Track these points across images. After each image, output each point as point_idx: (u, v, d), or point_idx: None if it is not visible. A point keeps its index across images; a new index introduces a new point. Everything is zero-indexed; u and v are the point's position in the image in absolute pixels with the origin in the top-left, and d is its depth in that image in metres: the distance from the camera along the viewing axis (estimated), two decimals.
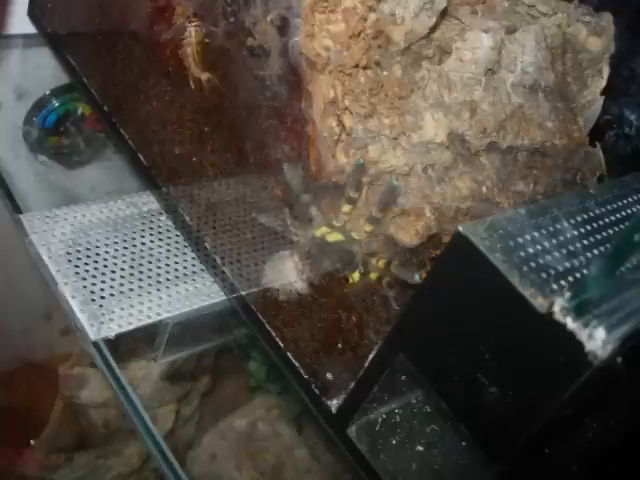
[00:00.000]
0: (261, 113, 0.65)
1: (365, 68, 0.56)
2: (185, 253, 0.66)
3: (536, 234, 0.39)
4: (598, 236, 0.42)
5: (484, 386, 0.38)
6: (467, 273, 0.38)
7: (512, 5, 0.63)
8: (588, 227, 0.43)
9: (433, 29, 0.57)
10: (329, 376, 0.55)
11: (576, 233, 0.41)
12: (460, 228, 0.37)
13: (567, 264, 0.38)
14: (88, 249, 0.62)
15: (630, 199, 0.49)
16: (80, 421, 1.00)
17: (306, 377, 0.54)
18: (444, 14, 0.58)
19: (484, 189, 0.59)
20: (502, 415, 0.38)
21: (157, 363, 0.65)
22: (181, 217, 0.65)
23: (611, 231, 0.43)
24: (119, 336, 0.57)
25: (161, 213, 0.69)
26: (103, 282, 0.60)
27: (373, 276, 0.61)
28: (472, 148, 0.57)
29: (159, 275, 0.63)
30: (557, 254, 0.38)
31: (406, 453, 0.51)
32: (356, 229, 0.60)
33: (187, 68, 0.73)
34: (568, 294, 0.34)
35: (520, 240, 0.38)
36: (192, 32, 0.70)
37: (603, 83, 0.66)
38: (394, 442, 0.51)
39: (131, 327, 0.57)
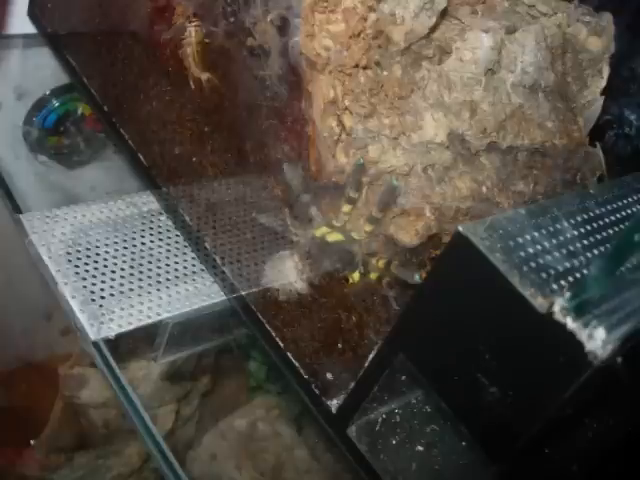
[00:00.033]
0: (261, 113, 0.65)
1: (365, 68, 0.56)
2: (185, 253, 0.66)
3: (536, 234, 0.39)
4: (598, 236, 0.42)
5: (484, 386, 0.38)
6: (467, 273, 0.38)
7: (512, 5, 0.63)
8: (588, 227, 0.43)
9: (433, 29, 0.57)
10: (329, 376, 0.55)
11: (576, 233, 0.41)
12: (460, 228, 0.37)
13: (567, 264, 0.38)
14: (88, 249, 0.62)
15: (630, 199, 0.49)
16: (80, 421, 1.00)
17: (306, 377, 0.54)
18: (444, 14, 0.58)
19: (484, 189, 0.59)
20: (502, 415, 0.38)
21: (157, 363, 0.65)
22: (181, 217, 0.65)
23: (611, 231, 0.43)
24: (119, 336, 0.57)
25: (161, 213, 0.69)
26: (103, 282, 0.60)
27: (373, 276, 0.61)
28: (472, 148, 0.57)
29: (159, 275, 0.63)
30: (557, 254, 0.38)
31: (406, 453, 0.51)
32: (356, 229, 0.60)
33: (187, 68, 0.73)
34: (568, 294, 0.34)
35: (520, 240, 0.38)
36: (192, 32, 0.70)
37: (603, 83, 0.66)
38: (394, 442, 0.51)
39: (131, 327, 0.57)
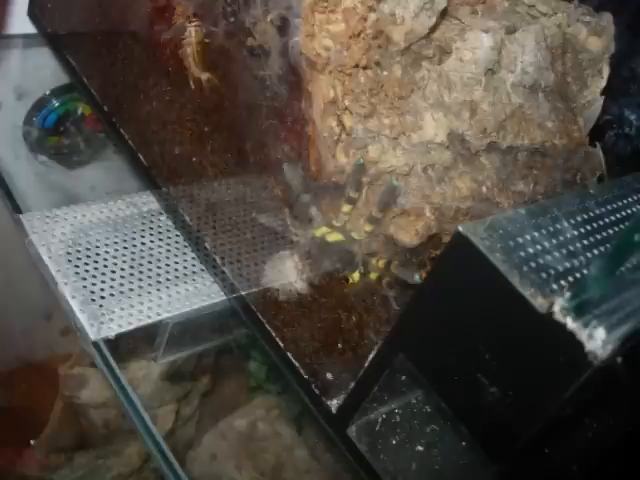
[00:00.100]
0: (261, 113, 0.65)
1: (365, 68, 0.56)
2: (185, 253, 0.66)
3: (536, 234, 0.39)
4: (598, 236, 0.42)
5: (484, 386, 0.38)
6: (467, 273, 0.38)
7: (512, 5, 0.63)
8: (588, 227, 0.43)
9: (433, 29, 0.57)
10: (329, 376, 0.55)
11: (576, 233, 0.41)
12: (460, 228, 0.37)
13: (567, 264, 0.38)
14: (88, 249, 0.62)
15: (630, 199, 0.49)
16: (80, 421, 1.00)
17: (306, 377, 0.54)
18: (444, 14, 0.58)
19: (484, 189, 0.59)
20: (502, 415, 0.38)
21: (157, 363, 0.65)
22: (181, 217, 0.65)
23: (611, 231, 0.43)
24: (119, 336, 0.57)
25: (161, 213, 0.69)
26: (103, 282, 0.60)
27: (373, 276, 0.61)
28: (472, 148, 0.57)
29: (159, 275, 0.63)
30: (557, 254, 0.38)
31: (406, 453, 0.51)
32: (356, 229, 0.60)
33: (187, 68, 0.73)
34: (568, 294, 0.34)
35: (520, 240, 0.38)
36: (192, 32, 0.70)
37: (603, 83, 0.66)
38: (394, 442, 0.51)
39: (131, 327, 0.57)
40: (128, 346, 0.77)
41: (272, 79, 0.61)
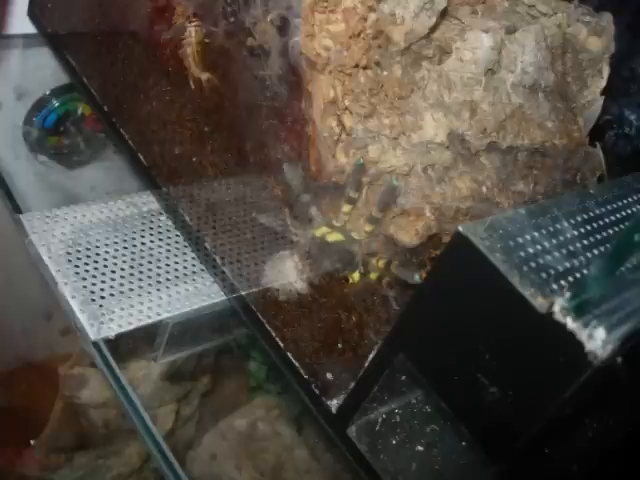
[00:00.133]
0: (261, 113, 0.65)
1: (365, 68, 0.56)
2: (185, 253, 0.66)
3: (536, 234, 0.39)
4: (598, 236, 0.42)
5: (484, 386, 0.38)
6: (467, 273, 0.38)
7: (512, 5, 0.63)
8: (588, 227, 0.43)
9: (433, 29, 0.57)
10: (329, 376, 0.55)
11: (576, 233, 0.41)
12: (460, 228, 0.37)
13: (567, 264, 0.38)
14: (88, 249, 0.62)
15: (630, 199, 0.49)
16: (80, 421, 1.00)
17: (306, 377, 0.54)
18: (444, 14, 0.58)
19: (484, 189, 0.59)
20: (502, 415, 0.38)
21: (157, 363, 0.65)
22: (181, 217, 0.65)
23: (611, 231, 0.43)
24: (119, 336, 0.57)
25: (161, 213, 0.69)
26: (103, 282, 0.60)
27: (373, 276, 0.61)
28: (472, 148, 0.57)
29: (159, 275, 0.63)
30: (557, 254, 0.38)
31: (406, 453, 0.51)
32: (356, 229, 0.60)
33: (187, 68, 0.73)
34: (568, 294, 0.34)
35: (520, 240, 0.38)
36: (192, 32, 0.70)
37: (603, 83, 0.66)
38: (394, 442, 0.51)
39: (131, 327, 0.57)
40: (128, 346, 0.77)
41: (272, 79, 0.61)
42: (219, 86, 0.71)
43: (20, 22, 0.82)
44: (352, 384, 0.51)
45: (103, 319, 0.57)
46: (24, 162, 0.99)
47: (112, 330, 0.56)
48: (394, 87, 0.56)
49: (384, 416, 0.52)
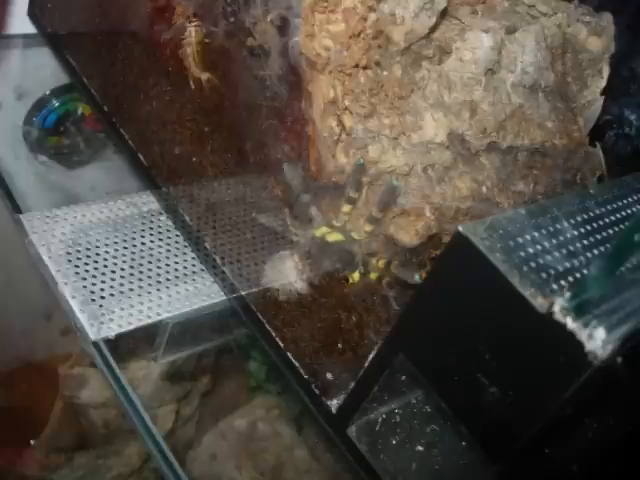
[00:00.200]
0: (261, 113, 0.65)
1: (365, 68, 0.56)
2: (185, 253, 0.66)
3: (536, 234, 0.39)
4: (598, 236, 0.42)
5: (484, 386, 0.38)
6: (467, 273, 0.38)
7: (512, 5, 0.63)
8: (588, 227, 0.43)
9: (433, 29, 0.57)
10: (329, 376, 0.55)
11: (576, 233, 0.41)
12: (460, 228, 0.37)
13: (567, 264, 0.38)
14: (88, 249, 0.62)
15: (630, 199, 0.49)
16: (80, 421, 1.00)
17: (306, 377, 0.54)
18: (444, 14, 0.58)
19: (484, 189, 0.59)
20: (502, 415, 0.38)
21: (157, 363, 0.65)
22: (181, 217, 0.65)
23: (611, 231, 0.43)
24: (119, 336, 0.57)
25: (161, 213, 0.69)
26: (103, 282, 0.60)
27: (373, 276, 0.61)
28: (472, 148, 0.57)
29: (159, 275, 0.63)
30: (557, 254, 0.38)
31: (406, 453, 0.51)
32: (356, 229, 0.60)
33: (187, 68, 0.73)
34: (568, 294, 0.34)
35: (520, 240, 0.38)
36: (192, 32, 0.70)
37: (603, 83, 0.66)
38: (394, 442, 0.51)
39: (131, 327, 0.57)
40: (128, 346, 0.77)
41: (272, 79, 0.61)
42: (219, 86, 0.71)
43: (20, 22, 0.82)
44: (352, 384, 0.51)
45: (103, 319, 0.57)
46: (24, 162, 0.99)
47: (112, 330, 0.56)
48: (394, 87, 0.56)
49: (384, 416, 0.52)
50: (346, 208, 0.59)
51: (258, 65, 0.62)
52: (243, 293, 0.59)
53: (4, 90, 0.94)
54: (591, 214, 0.44)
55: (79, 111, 0.99)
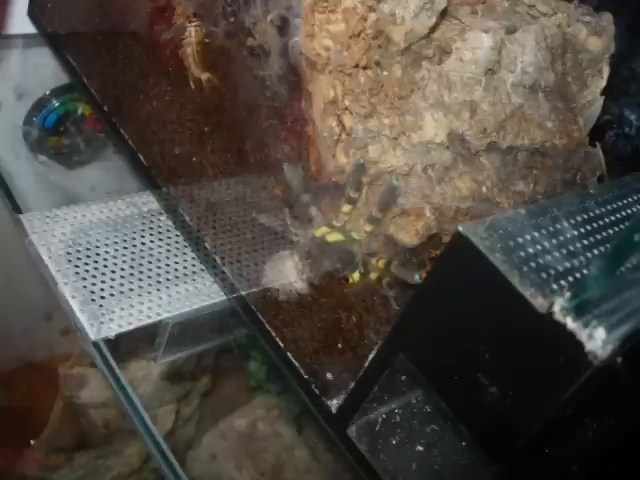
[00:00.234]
0: (261, 113, 0.65)
1: (365, 68, 0.56)
2: (185, 253, 0.66)
3: (536, 234, 0.39)
4: (598, 236, 0.42)
5: (484, 386, 0.38)
6: (467, 273, 0.38)
7: (512, 5, 0.63)
8: (588, 227, 0.43)
9: (433, 29, 0.57)
10: (329, 376, 0.55)
11: (576, 233, 0.41)
12: (460, 228, 0.37)
13: (567, 264, 0.38)
14: (88, 249, 0.62)
15: (630, 199, 0.49)
16: (80, 421, 1.00)
17: (306, 377, 0.54)
18: (444, 14, 0.58)
19: (484, 189, 0.59)
20: (502, 415, 0.38)
21: (157, 363, 0.65)
22: (181, 217, 0.65)
23: (611, 231, 0.43)
24: (119, 336, 0.57)
25: (161, 213, 0.69)
26: (103, 282, 0.60)
27: (373, 276, 0.61)
28: (472, 148, 0.57)
29: (159, 275, 0.63)
30: (557, 254, 0.38)
31: (406, 453, 0.51)
32: (356, 229, 0.60)
33: (187, 68, 0.73)
34: (568, 294, 0.34)
35: (520, 240, 0.38)
36: (192, 32, 0.70)
37: (603, 83, 0.66)
38: (394, 442, 0.51)
39: (131, 327, 0.57)
40: (128, 346, 0.77)
41: (272, 79, 0.61)
42: (219, 86, 0.71)
43: (20, 22, 0.82)
44: (352, 384, 0.51)
45: (103, 319, 0.57)
46: (24, 162, 0.99)
47: (112, 330, 0.56)
48: (394, 87, 0.56)
49: (384, 416, 0.52)
50: (346, 208, 0.59)
51: (258, 65, 0.62)
52: (243, 293, 0.59)
53: (4, 90, 0.94)
54: (591, 214, 0.44)
55: (79, 111, 0.99)
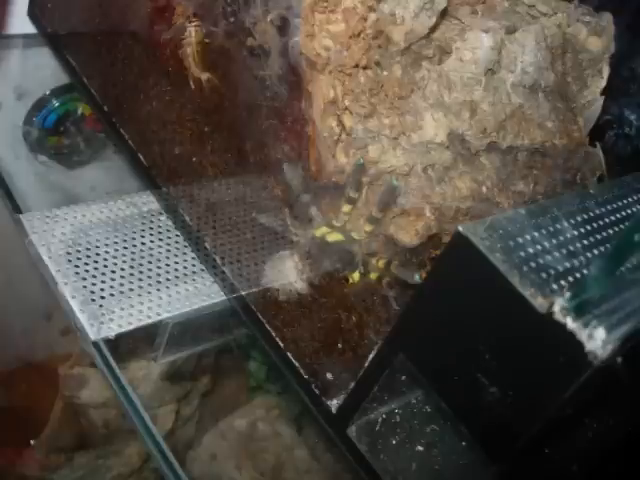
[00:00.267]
0: (261, 113, 0.65)
1: (365, 68, 0.56)
2: (185, 253, 0.66)
3: (536, 234, 0.39)
4: (598, 236, 0.42)
5: (484, 386, 0.38)
6: (467, 273, 0.38)
7: (512, 5, 0.63)
8: (588, 227, 0.43)
9: (433, 29, 0.57)
10: (329, 376, 0.55)
11: (576, 233, 0.41)
12: (460, 228, 0.37)
13: (567, 264, 0.38)
14: (88, 249, 0.62)
15: (630, 199, 0.49)
16: (80, 421, 1.00)
17: (306, 377, 0.54)
18: (444, 14, 0.58)
19: (484, 189, 0.59)
20: (502, 415, 0.38)
21: (157, 363, 0.65)
22: (181, 217, 0.65)
23: (611, 231, 0.43)
24: (119, 336, 0.57)
25: (161, 213, 0.69)
26: (103, 282, 0.60)
27: (373, 276, 0.61)
28: (472, 148, 0.57)
29: (159, 275, 0.63)
30: (557, 254, 0.38)
31: (406, 453, 0.51)
32: (356, 229, 0.60)
33: (187, 68, 0.73)
34: (568, 294, 0.34)
35: (520, 240, 0.38)
36: (192, 32, 0.70)
37: (603, 83, 0.66)
38: (394, 442, 0.51)
39: (131, 327, 0.57)
40: (128, 346, 0.77)
41: (272, 79, 0.61)
42: (219, 86, 0.71)
43: (20, 22, 0.82)
44: (352, 384, 0.51)
45: (103, 319, 0.57)
46: (24, 162, 0.99)
47: (112, 330, 0.56)
48: (394, 87, 0.56)
49: (384, 416, 0.52)
50: (346, 208, 0.59)
51: (258, 65, 0.62)
52: (243, 293, 0.59)
53: (4, 90, 0.94)
54: (591, 214, 0.44)
55: (79, 111, 0.99)
